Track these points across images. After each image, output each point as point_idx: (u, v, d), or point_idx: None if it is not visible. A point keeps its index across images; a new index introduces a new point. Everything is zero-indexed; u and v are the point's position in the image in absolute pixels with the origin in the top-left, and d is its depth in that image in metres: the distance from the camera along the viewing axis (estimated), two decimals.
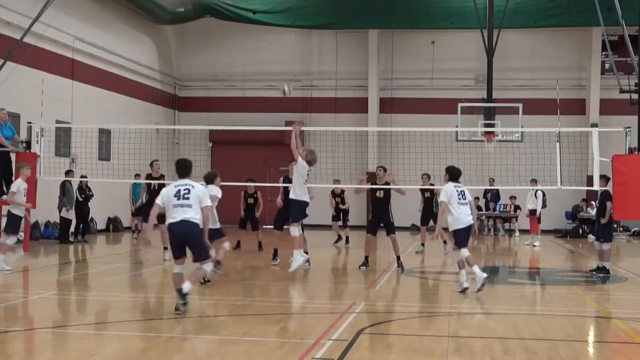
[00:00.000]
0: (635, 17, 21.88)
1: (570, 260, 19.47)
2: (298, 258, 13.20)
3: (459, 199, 12.09)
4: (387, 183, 15.27)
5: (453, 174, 12.51)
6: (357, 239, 22.51)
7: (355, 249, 20.98)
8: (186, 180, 9.75)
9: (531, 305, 11.66)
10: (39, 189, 16.54)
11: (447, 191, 12.11)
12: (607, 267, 14.59)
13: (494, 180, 25.31)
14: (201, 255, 9.65)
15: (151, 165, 17.06)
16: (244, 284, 12.99)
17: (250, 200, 18.95)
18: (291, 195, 13.54)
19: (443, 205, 12.15)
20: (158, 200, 9.66)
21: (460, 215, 11.99)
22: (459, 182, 12.50)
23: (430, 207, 19.23)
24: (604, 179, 14.74)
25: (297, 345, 7.87)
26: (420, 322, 9.78)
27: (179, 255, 9.65)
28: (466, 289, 11.73)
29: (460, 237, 11.98)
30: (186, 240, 9.50)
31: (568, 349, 8.00)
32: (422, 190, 19.32)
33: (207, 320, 9.28)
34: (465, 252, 11.93)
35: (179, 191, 9.56)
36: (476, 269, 11.72)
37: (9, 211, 14.26)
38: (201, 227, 9.51)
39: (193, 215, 9.43)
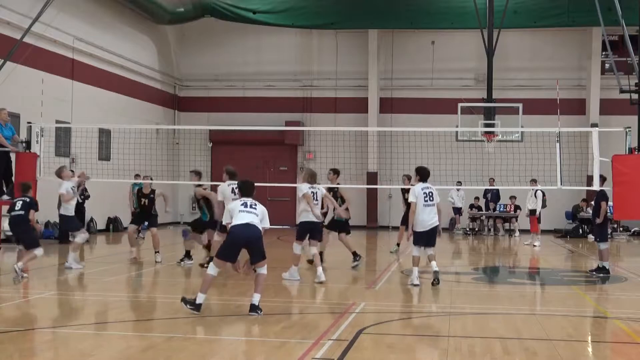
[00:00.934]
0: (635, 17, 21.87)
1: (570, 260, 19.47)
2: (293, 274, 13.30)
3: (425, 200, 12.58)
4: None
5: (423, 175, 12.92)
6: (353, 239, 22.47)
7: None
8: (251, 199, 9.99)
9: (531, 305, 11.67)
10: (39, 189, 16.52)
11: (414, 192, 12.66)
12: (607, 267, 14.59)
13: (494, 180, 25.31)
14: (259, 258, 9.75)
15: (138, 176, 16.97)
16: (243, 284, 12.98)
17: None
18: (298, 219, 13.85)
19: (412, 206, 12.66)
20: (226, 218, 10.02)
21: (423, 217, 12.58)
22: (427, 183, 12.96)
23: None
24: (601, 179, 14.75)
25: (297, 345, 7.87)
26: (420, 322, 9.79)
27: (229, 258, 9.70)
28: (415, 285, 12.49)
29: (417, 238, 12.70)
30: (247, 243, 9.63)
31: (568, 349, 8.00)
32: (403, 191, 18.69)
33: (207, 320, 9.28)
34: (415, 251, 12.72)
35: (246, 203, 9.85)
36: (415, 270, 12.64)
37: (60, 214, 14.52)
38: (261, 232, 9.70)
39: (258, 222, 9.67)
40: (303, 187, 13.25)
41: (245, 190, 10.13)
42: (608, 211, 14.84)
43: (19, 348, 7.83)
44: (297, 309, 10.55)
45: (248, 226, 9.58)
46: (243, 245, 9.68)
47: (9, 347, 7.76)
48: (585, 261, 18.37)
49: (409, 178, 18.56)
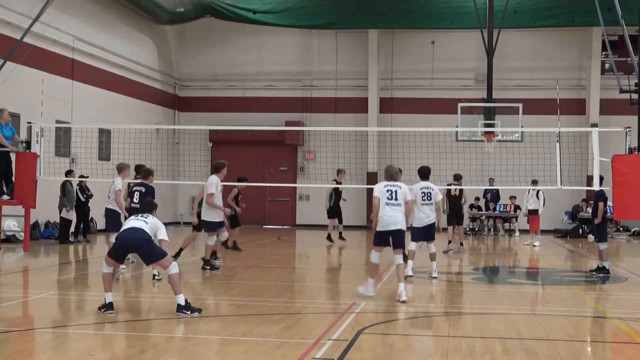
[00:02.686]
0: (635, 17, 21.89)
1: (570, 260, 19.47)
2: (368, 289, 11.21)
3: (422, 199, 13.35)
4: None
5: (422, 174, 13.70)
6: (352, 240, 22.52)
7: (352, 249, 21.00)
8: (147, 214, 9.88)
9: (531, 305, 11.67)
10: (39, 189, 16.54)
11: (413, 191, 13.03)
12: (607, 267, 14.59)
13: (493, 180, 25.32)
14: (150, 260, 9.66)
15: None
16: (244, 284, 12.99)
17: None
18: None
19: (409, 204, 12.66)
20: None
21: (420, 214, 13.40)
22: (428, 182, 13.60)
23: (458, 207, 20.41)
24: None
25: (297, 345, 7.87)
26: (420, 322, 9.78)
27: (117, 259, 9.70)
28: (409, 276, 12.93)
29: (414, 233, 13.49)
30: (132, 246, 9.59)
31: (568, 349, 8.00)
32: (448, 191, 20.04)
33: (207, 320, 9.28)
34: (412, 245, 13.40)
35: (137, 215, 9.88)
36: (410, 263, 13.24)
37: (108, 208, 14.42)
38: (149, 235, 9.50)
39: (145, 228, 9.53)
40: (375, 188, 11.34)
41: (142, 206, 10.32)
42: (608, 211, 14.85)
43: (19, 348, 7.83)
44: (297, 309, 10.54)
45: (135, 230, 9.51)
46: (129, 247, 9.63)
47: (9, 347, 7.76)
48: (585, 261, 18.37)
49: (456, 178, 20.20)
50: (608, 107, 28.45)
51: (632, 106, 22.61)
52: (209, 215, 14.13)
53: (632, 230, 27.82)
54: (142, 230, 9.50)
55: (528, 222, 23.57)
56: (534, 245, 22.16)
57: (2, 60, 18.95)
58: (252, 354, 7.52)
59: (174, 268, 9.49)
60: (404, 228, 11.14)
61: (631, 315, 10.13)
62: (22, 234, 17.66)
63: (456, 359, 7.51)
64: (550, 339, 8.47)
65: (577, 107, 28.94)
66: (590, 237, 23.68)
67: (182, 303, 9.39)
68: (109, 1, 25.41)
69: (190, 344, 8.13)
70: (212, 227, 14.19)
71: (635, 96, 22.38)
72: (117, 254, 9.66)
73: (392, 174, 11.27)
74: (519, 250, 21.97)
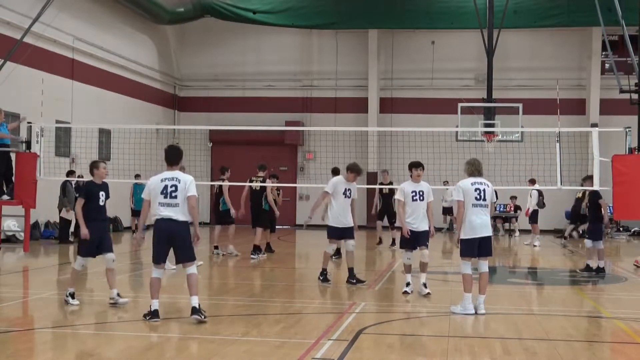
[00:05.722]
0: (635, 17, 21.87)
1: (570, 260, 19.47)
2: (467, 306, 9.89)
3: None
4: None
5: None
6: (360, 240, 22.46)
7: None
8: (174, 173, 9.20)
9: (531, 305, 11.66)
10: (39, 189, 16.53)
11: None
12: (593, 266, 14.68)
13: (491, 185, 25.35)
14: (185, 258, 9.22)
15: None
16: (244, 284, 12.99)
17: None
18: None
19: (431, 206, 11.68)
20: (144, 195, 9.28)
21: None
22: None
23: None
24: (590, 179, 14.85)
25: (297, 345, 7.87)
26: (420, 322, 9.78)
27: (161, 259, 9.25)
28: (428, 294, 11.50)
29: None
30: (170, 240, 9.13)
31: (568, 349, 8.00)
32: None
33: (207, 320, 9.28)
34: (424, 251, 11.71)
35: (165, 187, 9.07)
36: (409, 277, 11.84)
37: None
38: (188, 230, 9.13)
39: (179, 213, 9.04)
40: (458, 189, 9.91)
41: (169, 157, 9.28)
42: (608, 211, 14.90)
43: (19, 348, 7.82)
44: (297, 309, 10.54)
45: (173, 222, 9.01)
46: (170, 238, 9.12)
47: (9, 347, 7.76)
48: (585, 261, 18.34)
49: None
50: (608, 107, 28.46)
51: (632, 106, 22.58)
52: (333, 221, 12.60)
53: (632, 230, 27.83)
54: (180, 222, 9.01)
55: (529, 223, 23.57)
56: (534, 246, 22.16)
57: (2, 60, 18.95)
58: (252, 354, 7.52)
59: (194, 268, 9.24)
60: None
61: (631, 315, 10.13)
62: (22, 234, 17.66)
63: (456, 359, 7.52)
64: (550, 339, 8.47)
65: (577, 107, 28.95)
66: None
67: (196, 306, 9.01)
68: (109, 1, 25.42)
69: (191, 344, 8.13)
70: (335, 234, 12.71)
71: (635, 96, 22.35)
72: (159, 248, 9.14)
73: (480, 169, 9.93)
74: (519, 250, 21.97)
